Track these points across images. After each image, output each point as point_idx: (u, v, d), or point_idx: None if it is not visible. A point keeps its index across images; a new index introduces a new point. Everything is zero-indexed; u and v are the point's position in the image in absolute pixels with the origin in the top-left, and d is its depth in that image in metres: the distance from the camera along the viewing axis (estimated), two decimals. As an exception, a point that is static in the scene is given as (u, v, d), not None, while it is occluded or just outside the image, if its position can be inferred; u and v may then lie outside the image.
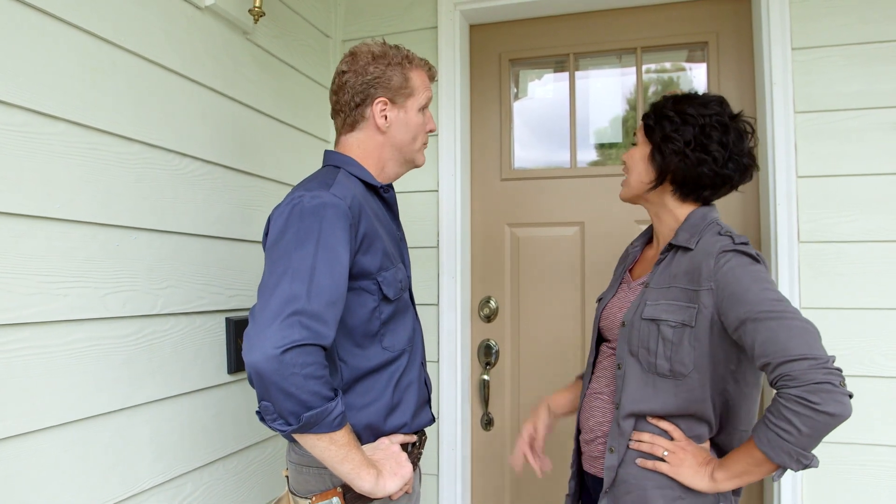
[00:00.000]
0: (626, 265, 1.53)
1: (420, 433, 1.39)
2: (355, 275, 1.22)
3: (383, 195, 1.40)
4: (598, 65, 2.22)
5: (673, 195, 1.38)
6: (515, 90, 2.30)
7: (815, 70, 1.84)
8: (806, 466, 1.12)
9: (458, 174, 2.13)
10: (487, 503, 2.21)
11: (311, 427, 1.07)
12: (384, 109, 1.35)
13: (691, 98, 1.36)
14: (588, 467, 1.46)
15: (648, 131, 1.38)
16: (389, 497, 1.22)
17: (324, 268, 1.11)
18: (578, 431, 1.51)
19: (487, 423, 2.20)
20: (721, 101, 1.36)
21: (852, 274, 1.78)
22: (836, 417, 1.06)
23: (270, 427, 1.08)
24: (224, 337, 1.63)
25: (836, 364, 1.10)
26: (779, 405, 1.10)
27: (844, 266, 1.79)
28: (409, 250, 2.10)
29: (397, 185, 2.09)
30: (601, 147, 2.22)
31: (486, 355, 2.20)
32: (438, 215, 2.13)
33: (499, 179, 2.23)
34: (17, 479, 1.08)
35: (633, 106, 2.17)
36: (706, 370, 1.25)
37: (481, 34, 2.26)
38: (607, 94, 2.22)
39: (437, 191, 2.14)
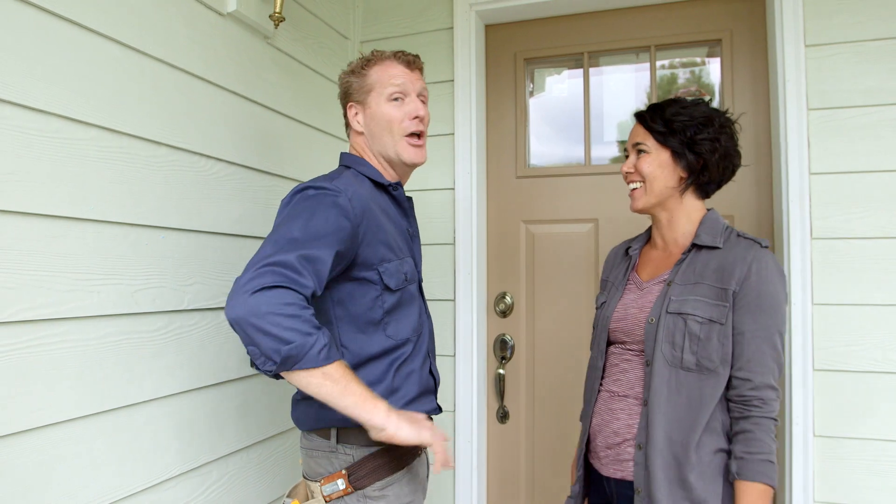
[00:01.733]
0: (629, 267, 1.57)
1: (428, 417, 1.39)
2: (358, 264, 1.29)
3: (392, 192, 1.45)
4: (614, 62, 2.25)
5: (694, 195, 1.48)
6: (531, 86, 2.34)
7: (827, 67, 1.85)
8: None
9: (474, 172, 2.17)
10: (502, 494, 2.26)
11: (294, 362, 1.09)
12: (356, 114, 1.46)
13: (690, 102, 1.46)
14: (612, 472, 1.45)
15: (662, 137, 1.44)
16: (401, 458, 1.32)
17: (302, 232, 1.17)
18: (589, 438, 1.53)
19: (503, 416, 2.24)
20: (709, 102, 1.51)
21: (864, 270, 1.79)
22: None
23: (261, 371, 1.13)
24: (247, 331, 1.69)
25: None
26: (754, 433, 1.31)
27: (857, 262, 1.80)
28: (426, 247, 2.17)
29: (414, 183, 2.15)
30: (616, 144, 2.24)
31: (502, 350, 2.24)
32: (455, 213, 2.18)
33: (514, 177, 2.27)
34: (54, 466, 1.15)
35: (649, 100, 2.19)
36: (729, 366, 1.35)
37: (497, 34, 2.30)
38: (623, 91, 2.24)
39: (453, 189, 2.18)
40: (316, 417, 1.33)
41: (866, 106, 1.81)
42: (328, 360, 1.12)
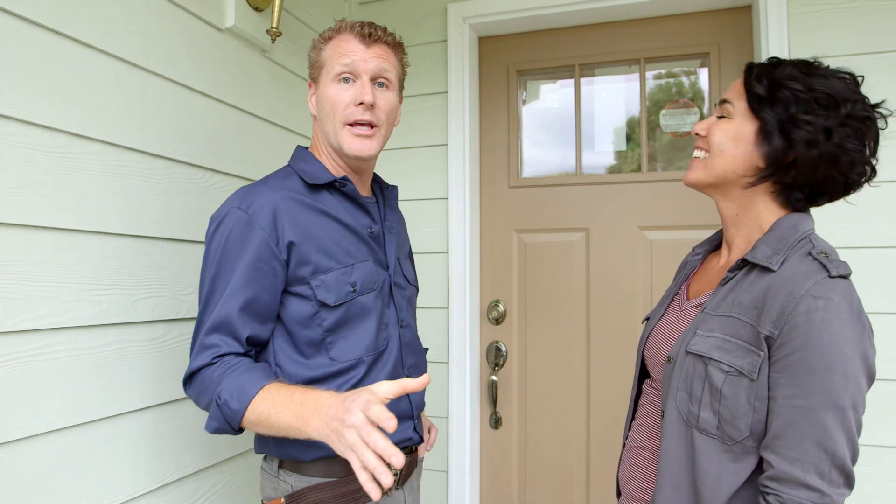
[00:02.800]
0: (682, 278, 1.24)
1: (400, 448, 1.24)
2: (289, 280, 1.17)
3: (341, 189, 1.26)
4: (606, 73, 2.29)
5: (771, 196, 1.07)
6: (525, 94, 2.38)
7: (812, 81, 1.89)
8: None
9: (468, 182, 2.22)
10: (495, 499, 2.29)
11: (226, 427, 1.09)
12: (312, 94, 1.30)
13: (822, 70, 1.04)
14: None
15: (757, 103, 1.04)
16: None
17: (218, 289, 1.14)
18: (619, 492, 1.25)
19: (496, 422, 2.28)
20: (857, 81, 1.05)
21: (864, 280, 1.83)
22: None
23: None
24: (244, 339, 1.72)
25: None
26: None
27: (840, 271, 1.84)
28: (420, 256, 2.20)
29: (407, 192, 2.19)
30: (606, 154, 2.29)
31: (496, 357, 2.28)
32: (448, 222, 2.22)
33: (507, 187, 2.31)
34: (54, 472, 1.18)
35: (635, 121, 2.24)
36: (761, 437, 0.97)
37: (490, 46, 2.34)
38: (614, 101, 2.29)
39: (446, 198, 2.23)
40: (259, 440, 1.26)
41: (849, 119, 1.85)
42: (241, 408, 1.05)
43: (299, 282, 1.17)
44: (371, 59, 1.22)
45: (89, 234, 1.25)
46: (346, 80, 1.22)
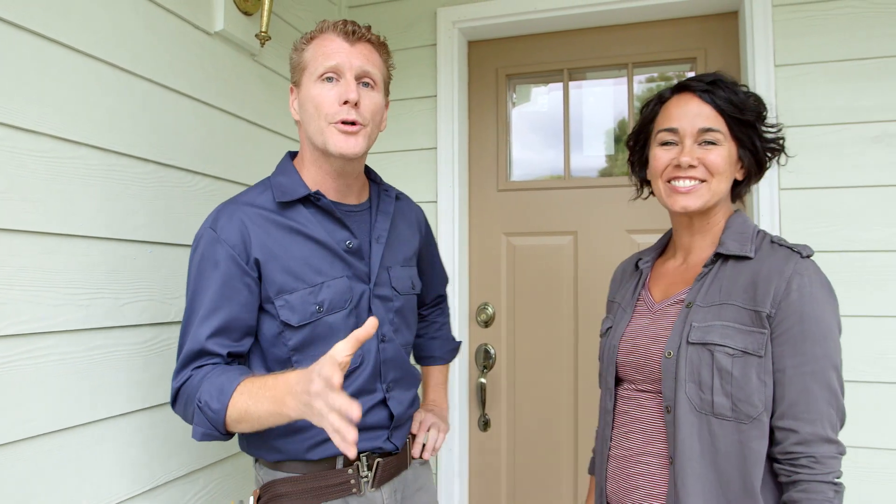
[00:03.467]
0: (640, 284, 1.29)
1: (370, 454, 1.27)
2: (262, 297, 1.20)
3: (316, 203, 1.24)
4: (595, 77, 2.31)
5: (730, 198, 1.23)
6: (514, 97, 2.39)
7: (797, 86, 1.92)
8: None
9: (456, 185, 2.23)
10: (485, 501, 2.30)
11: (211, 430, 1.13)
12: (294, 99, 1.28)
13: (741, 85, 1.21)
14: None
15: (734, 126, 1.17)
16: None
17: (196, 311, 1.18)
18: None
19: (485, 424, 2.29)
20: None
21: (833, 283, 1.85)
22: None
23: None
24: (233, 342, 1.72)
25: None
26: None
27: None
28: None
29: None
30: (595, 158, 2.30)
31: (485, 359, 2.29)
32: (437, 225, 2.23)
33: (495, 190, 2.32)
34: (40, 477, 1.18)
35: (624, 124, 2.25)
36: (771, 410, 1.05)
37: (479, 50, 2.36)
38: (603, 106, 2.30)
39: (436, 202, 2.23)
40: (239, 437, 1.32)
41: (834, 124, 1.88)
42: (220, 408, 1.09)
43: (267, 300, 1.20)
44: (355, 57, 1.20)
45: (76, 238, 1.26)
46: (329, 79, 1.19)
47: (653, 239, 2.12)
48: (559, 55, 2.28)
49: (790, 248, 1.11)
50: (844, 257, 1.85)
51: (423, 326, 1.64)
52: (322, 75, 1.19)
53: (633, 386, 1.20)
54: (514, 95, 2.40)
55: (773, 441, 1.05)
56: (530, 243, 2.28)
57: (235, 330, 1.18)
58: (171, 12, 1.52)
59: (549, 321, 2.24)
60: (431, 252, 1.60)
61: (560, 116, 2.30)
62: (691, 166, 1.16)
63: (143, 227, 1.43)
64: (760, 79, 1.93)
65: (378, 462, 1.27)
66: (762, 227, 1.89)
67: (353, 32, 1.20)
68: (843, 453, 1.03)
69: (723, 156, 1.16)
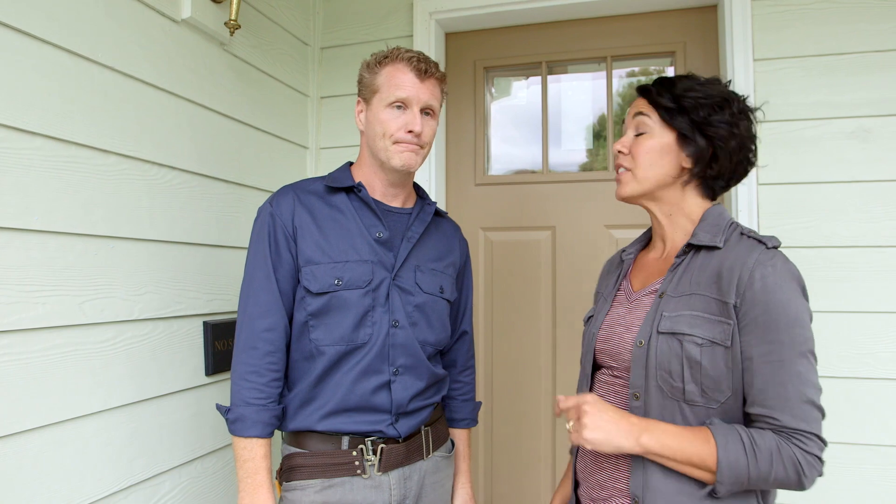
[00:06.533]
0: (621, 274, 1.33)
1: (376, 438, 1.35)
2: (297, 266, 1.36)
3: (357, 193, 1.41)
4: (575, 70, 2.28)
5: (698, 190, 1.22)
6: (493, 90, 2.36)
7: (775, 81, 1.91)
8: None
9: (433, 179, 2.19)
10: (462, 499, 2.27)
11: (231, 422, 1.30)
12: (361, 111, 1.44)
13: (706, 79, 1.21)
14: None
15: (669, 115, 1.19)
16: None
17: (249, 311, 1.34)
18: (577, 483, 1.28)
19: (462, 421, 2.26)
20: (728, 84, 1.22)
21: (810, 279, 1.83)
22: (793, 488, 1.03)
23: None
24: (202, 340, 1.68)
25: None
26: (774, 446, 1.01)
27: (802, 271, 1.85)
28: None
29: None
30: (575, 152, 2.28)
31: (462, 356, 2.26)
32: (414, 220, 2.19)
33: (473, 184, 2.29)
34: (-3, 480, 1.13)
35: (603, 119, 2.23)
36: (741, 394, 1.07)
37: (456, 42, 2.32)
38: (583, 99, 2.28)
39: (412, 196, 2.19)
40: None
41: (812, 119, 1.87)
42: (235, 432, 1.29)
43: (298, 269, 1.35)
44: (423, 93, 1.36)
45: (30, 233, 1.20)
46: (398, 107, 1.36)
47: (632, 234, 2.11)
48: (537, 48, 2.25)
49: (757, 239, 1.11)
50: (823, 252, 1.84)
51: (455, 388, 1.63)
52: (392, 103, 1.35)
53: (609, 372, 1.23)
54: (494, 89, 2.36)
55: (749, 423, 1.07)
56: (508, 238, 2.25)
57: (284, 301, 1.36)
58: (135, -2, 1.46)
59: (527, 316, 2.22)
60: (465, 285, 1.64)
61: (538, 111, 2.27)
62: (620, 153, 1.24)
63: (104, 221, 1.37)
64: (739, 73, 1.91)
65: (382, 448, 1.35)
66: (741, 222, 1.88)
67: (426, 71, 1.36)
68: (821, 439, 1.02)
69: (648, 144, 1.20)
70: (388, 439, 1.36)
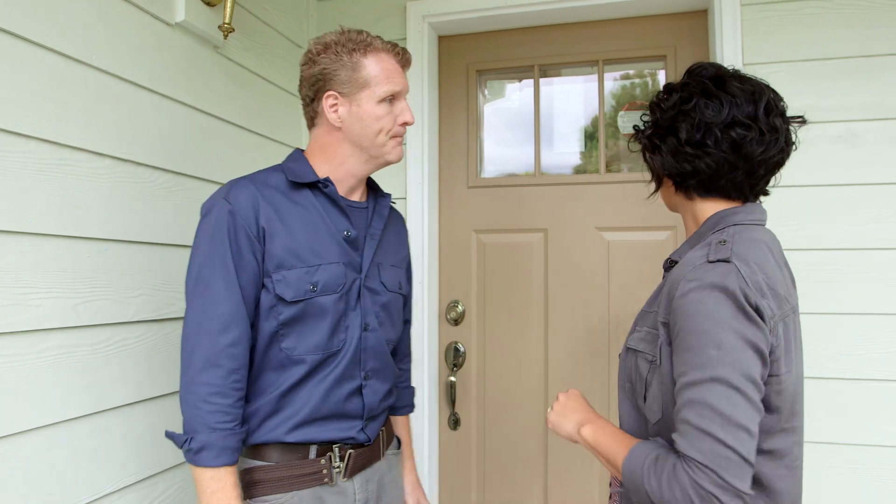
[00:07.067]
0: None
1: (343, 446, 1.32)
2: (263, 271, 1.25)
3: (323, 190, 1.32)
4: (567, 73, 2.30)
5: (700, 195, 1.14)
6: (486, 93, 2.37)
7: (764, 85, 1.92)
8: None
9: (426, 182, 2.20)
10: (454, 499, 2.29)
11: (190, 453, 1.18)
12: (334, 105, 1.30)
13: (658, 95, 1.21)
14: None
15: (657, 180, 1.23)
16: None
17: (206, 325, 1.20)
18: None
19: (455, 422, 2.27)
20: (682, 86, 1.18)
21: (799, 281, 1.87)
22: None
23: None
24: (195, 342, 1.68)
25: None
26: (671, 468, 0.91)
27: (790, 272, 1.88)
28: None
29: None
30: (567, 155, 2.29)
31: (454, 357, 2.27)
32: (406, 222, 2.20)
33: (466, 187, 2.30)
34: (-9, 482, 1.14)
35: (596, 121, 2.25)
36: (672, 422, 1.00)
37: (450, 45, 2.33)
38: (575, 102, 2.29)
39: (405, 198, 2.21)
40: None
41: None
42: (197, 462, 1.17)
43: (265, 273, 1.25)
44: (405, 81, 1.35)
45: (25, 236, 1.20)
46: (390, 100, 1.31)
47: (623, 236, 2.14)
48: (530, 51, 2.27)
49: (707, 252, 1.00)
50: (811, 255, 1.87)
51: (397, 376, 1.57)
52: (385, 98, 1.30)
53: None
54: (487, 91, 2.38)
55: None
56: (501, 240, 2.27)
57: (245, 308, 1.24)
58: (128, 1, 1.46)
59: (520, 319, 2.23)
60: (410, 275, 1.62)
61: (531, 113, 2.29)
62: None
63: (98, 223, 1.38)
64: (729, 77, 1.93)
65: (350, 453, 1.32)
66: (730, 225, 1.89)
67: (406, 59, 1.35)
68: (718, 475, 0.86)
69: (663, 196, 1.24)
70: (355, 445, 1.33)
